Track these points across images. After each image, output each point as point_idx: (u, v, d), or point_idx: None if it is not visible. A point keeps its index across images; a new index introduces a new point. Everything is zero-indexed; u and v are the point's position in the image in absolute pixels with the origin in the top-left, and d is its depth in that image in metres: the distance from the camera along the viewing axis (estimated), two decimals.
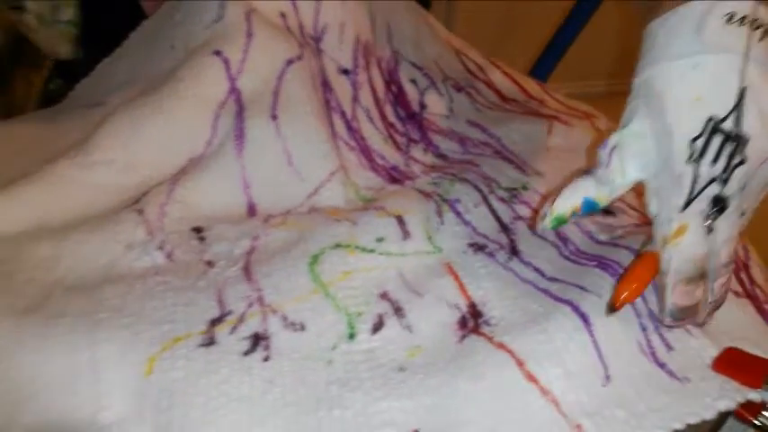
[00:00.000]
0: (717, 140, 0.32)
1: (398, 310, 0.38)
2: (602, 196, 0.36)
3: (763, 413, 0.32)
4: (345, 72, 0.55)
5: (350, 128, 0.54)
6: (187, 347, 0.35)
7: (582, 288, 0.37)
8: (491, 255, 0.42)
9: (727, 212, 0.33)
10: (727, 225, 0.33)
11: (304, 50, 0.50)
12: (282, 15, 0.52)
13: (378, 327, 0.37)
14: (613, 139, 0.35)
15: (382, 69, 0.58)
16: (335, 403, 0.33)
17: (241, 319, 0.37)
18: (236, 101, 0.48)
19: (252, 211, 0.47)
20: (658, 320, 0.36)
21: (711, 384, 0.33)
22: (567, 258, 0.41)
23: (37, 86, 0.67)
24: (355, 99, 0.55)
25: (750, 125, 0.32)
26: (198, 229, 0.44)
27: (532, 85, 0.64)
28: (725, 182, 0.32)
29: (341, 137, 0.53)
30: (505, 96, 0.62)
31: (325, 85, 0.53)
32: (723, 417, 0.33)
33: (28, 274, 0.40)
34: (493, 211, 0.45)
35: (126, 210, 0.44)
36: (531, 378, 0.33)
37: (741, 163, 0.32)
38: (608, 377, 0.33)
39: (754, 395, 0.32)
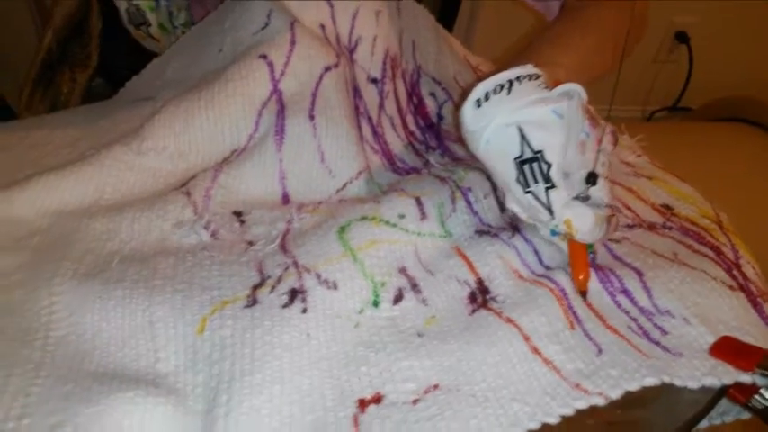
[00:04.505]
0: (528, 168, 0.41)
1: (414, 286, 0.43)
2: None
3: (755, 396, 0.36)
4: (374, 81, 0.60)
5: (375, 133, 0.59)
6: (234, 309, 0.39)
7: None
8: (495, 235, 0.46)
9: (556, 190, 0.41)
10: (564, 192, 0.41)
11: (340, 59, 0.55)
12: (322, 26, 0.57)
13: (398, 298, 0.42)
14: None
15: (406, 81, 0.63)
16: (362, 362, 0.37)
17: (279, 280, 0.41)
18: (278, 101, 0.52)
19: (285, 199, 0.51)
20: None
21: (703, 363, 0.36)
22: None
23: (81, 84, 0.71)
24: (381, 107, 0.60)
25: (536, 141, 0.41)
26: (238, 213, 0.49)
27: None
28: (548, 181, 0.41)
29: (367, 140, 0.58)
30: None
31: (356, 92, 0.58)
32: (716, 398, 0.37)
33: (86, 244, 0.44)
34: (500, 203, 0.49)
35: (174, 192, 0.49)
36: (536, 351, 0.38)
37: (549, 167, 0.41)
38: (601, 350, 0.38)
39: (746, 378, 0.36)
